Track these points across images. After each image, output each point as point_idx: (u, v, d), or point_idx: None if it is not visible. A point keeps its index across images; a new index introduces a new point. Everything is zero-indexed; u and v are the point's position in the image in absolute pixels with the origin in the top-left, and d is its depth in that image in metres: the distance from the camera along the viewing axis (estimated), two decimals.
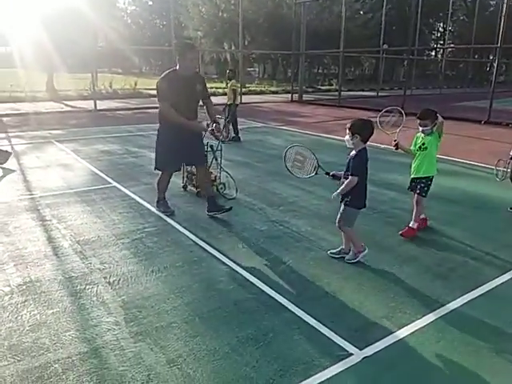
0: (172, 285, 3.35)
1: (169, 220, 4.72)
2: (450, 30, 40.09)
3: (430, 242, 4.26)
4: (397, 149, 4.38)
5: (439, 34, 52.55)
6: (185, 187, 5.89)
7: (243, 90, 22.52)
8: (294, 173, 3.89)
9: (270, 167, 7.35)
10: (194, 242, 4.16)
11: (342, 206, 3.66)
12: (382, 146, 9.22)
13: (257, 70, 53.86)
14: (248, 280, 3.43)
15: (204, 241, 4.17)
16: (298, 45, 21.60)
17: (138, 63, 57.97)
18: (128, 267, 3.64)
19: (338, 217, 3.70)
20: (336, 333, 2.77)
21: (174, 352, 2.58)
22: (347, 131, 3.53)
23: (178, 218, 4.80)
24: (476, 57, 43.70)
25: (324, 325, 2.85)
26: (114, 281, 3.41)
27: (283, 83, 33.71)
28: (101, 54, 35.10)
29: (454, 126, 13.27)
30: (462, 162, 8.03)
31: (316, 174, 3.76)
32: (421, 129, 4.22)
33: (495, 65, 16.66)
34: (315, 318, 2.91)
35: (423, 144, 4.27)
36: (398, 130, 4.39)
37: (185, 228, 4.49)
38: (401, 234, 4.31)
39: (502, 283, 3.46)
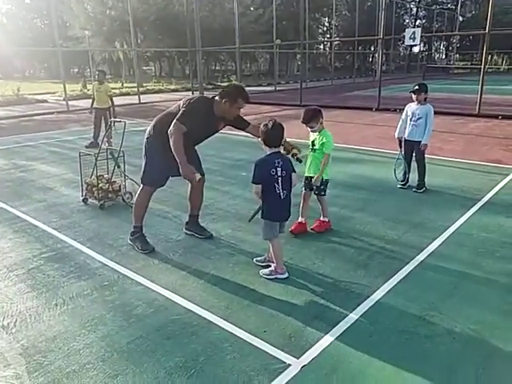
0: (82, 318, 2.93)
1: (70, 241, 4.19)
2: (335, 25, 42.52)
3: (345, 232, 4.32)
4: None
5: (325, 29, 55.67)
6: (85, 200, 5.32)
7: (140, 89, 21.57)
8: None
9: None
10: (102, 263, 3.72)
11: (262, 220, 3.41)
12: (288, 140, 9.40)
13: (153, 68, 52.27)
14: (169, 299, 3.12)
15: (114, 260, 3.75)
16: (194, 42, 21.22)
17: (21, 66, 52.81)
18: (25, 304, 3.12)
19: (262, 233, 3.44)
20: (270, 343, 2.61)
21: None
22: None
23: (80, 237, 4.29)
24: (360, 48, 47.09)
25: (257, 337, 2.67)
26: (8, 323, 2.89)
27: (182, 81, 33.06)
28: None
29: (349, 114, 14.06)
30: (360, 149, 8.43)
31: None
32: (309, 129, 4.21)
33: (378, 55, 17.97)
34: (246, 331, 2.73)
35: (313, 142, 4.23)
36: None
37: (89, 248, 4.01)
38: (312, 229, 4.30)
39: (417, 265, 3.60)
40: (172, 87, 28.52)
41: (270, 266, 3.48)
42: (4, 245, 4.16)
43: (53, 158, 8.04)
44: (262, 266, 3.56)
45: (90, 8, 35.18)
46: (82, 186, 5.35)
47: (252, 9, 38.82)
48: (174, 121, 3.59)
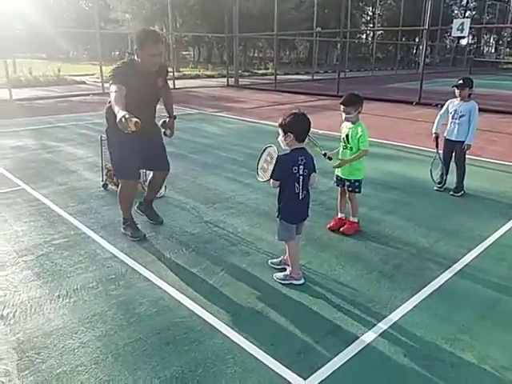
0: (82, 313, 2.79)
1: (84, 228, 4.08)
2: (378, 14, 41.12)
3: (373, 236, 4.00)
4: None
5: (369, 18, 53.94)
6: (105, 186, 5.22)
7: (177, 74, 21.55)
8: (259, 173, 3.08)
9: (206, 158, 6.83)
10: (112, 254, 3.59)
11: (277, 219, 3.13)
12: (320, 132, 9.03)
13: (191, 53, 52.37)
14: (174, 299, 2.94)
15: (124, 252, 3.61)
16: (232, 27, 20.93)
17: (65, 48, 54.11)
18: (29, 293, 3.02)
19: (277, 233, 3.17)
20: (277, 359, 2.37)
21: None
22: (279, 130, 2.95)
23: (94, 224, 4.18)
24: (403, 39, 45.34)
25: (262, 350, 2.44)
26: (8, 313, 2.78)
27: (219, 67, 32.86)
28: (21, 38, 32.20)
29: (388, 107, 13.47)
30: (397, 145, 7.98)
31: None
32: (344, 116, 3.85)
33: (422, 47, 17.12)
34: (252, 342, 2.50)
35: (347, 137, 3.87)
36: None
37: (102, 237, 3.89)
38: (342, 232, 4.01)
39: (449, 279, 3.25)
40: (208, 73, 28.37)
41: (285, 269, 3.24)
42: (18, 228, 4.10)
43: (81, 140, 8.03)
44: (276, 268, 3.32)
45: None
46: (102, 171, 5.25)
47: None
48: (109, 86, 3.37)
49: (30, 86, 18.80)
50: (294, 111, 2.95)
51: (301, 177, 2.96)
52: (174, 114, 4.10)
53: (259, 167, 3.03)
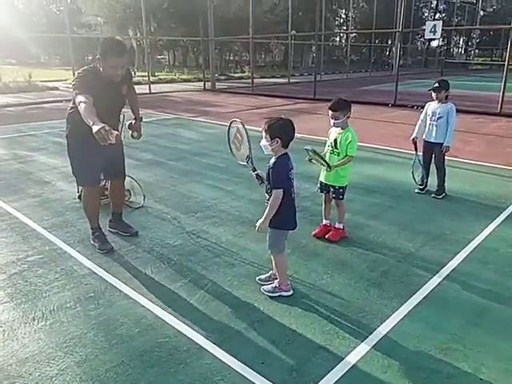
0: (59, 336, 2.62)
1: (59, 243, 3.89)
2: (352, 17, 41.67)
3: (358, 242, 3.95)
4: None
5: (342, 21, 54.65)
6: (80, 197, 5.00)
7: (152, 79, 21.25)
8: (232, 150, 3.17)
9: (185, 165, 6.69)
10: (90, 270, 3.42)
11: (269, 229, 2.97)
12: (299, 135, 8.99)
13: (166, 57, 51.92)
14: (158, 317, 2.80)
15: (103, 268, 3.44)
16: (207, 31, 20.79)
17: (35, 53, 52.79)
18: (0, 316, 2.83)
19: (268, 242, 3.02)
20: (268, 378, 2.27)
21: None
22: (264, 134, 2.85)
23: (70, 238, 3.99)
24: (377, 42, 46.08)
25: (253, 369, 2.34)
26: None
27: (195, 71, 32.65)
28: None
29: (364, 110, 13.56)
30: (377, 148, 8.00)
31: (246, 164, 3.08)
32: (332, 121, 3.80)
33: (396, 49, 17.39)
34: (241, 361, 2.39)
35: (335, 142, 3.80)
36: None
37: (79, 252, 3.71)
38: (328, 238, 3.94)
39: (437, 285, 3.22)
40: (184, 77, 28.11)
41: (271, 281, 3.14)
42: None
43: (54, 149, 7.75)
44: (264, 284, 3.19)
45: None
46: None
47: None
48: (74, 96, 3.28)
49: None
50: (279, 116, 2.88)
51: (293, 181, 2.91)
52: (140, 115, 4.01)
53: (233, 151, 3.07)
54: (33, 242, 3.92)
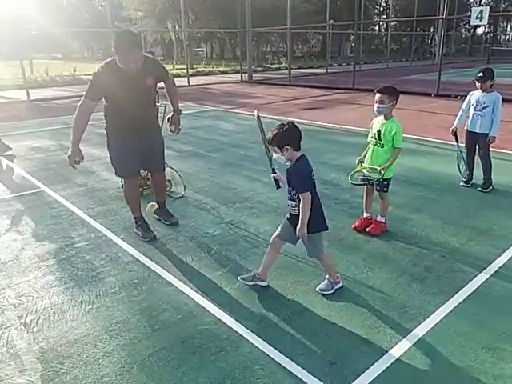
0: (105, 320, 2.73)
1: (104, 230, 4.03)
2: (392, 5, 40.35)
3: (400, 236, 3.86)
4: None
5: (382, 9, 53.11)
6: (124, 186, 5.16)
7: (190, 71, 21.48)
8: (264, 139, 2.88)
9: (223, 157, 6.74)
10: (133, 257, 3.52)
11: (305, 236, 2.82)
12: (338, 127, 8.85)
13: (204, 50, 52.32)
14: (199, 305, 2.86)
15: (146, 255, 3.54)
16: (244, 22, 20.75)
17: (80, 48, 54.52)
18: (51, 299, 2.97)
19: (308, 250, 2.95)
20: (308, 370, 2.27)
21: None
22: (270, 147, 2.73)
23: (115, 226, 4.13)
24: (418, 30, 44.48)
25: (292, 360, 2.34)
26: (31, 321, 2.74)
27: (232, 63, 32.72)
28: (37, 39, 32.56)
29: (406, 100, 13.10)
30: (419, 139, 7.76)
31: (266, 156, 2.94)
32: (376, 106, 3.64)
33: (438, 37, 16.75)
34: (281, 352, 2.40)
35: (378, 133, 3.69)
36: None
37: (123, 240, 3.83)
38: (368, 232, 3.87)
39: (484, 281, 3.10)
40: (221, 69, 28.26)
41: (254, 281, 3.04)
42: (40, 231, 4.07)
43: (98, 140, 7.98)
44: (248, 285, 3.04)
45: None
46: None
47: None
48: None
49: (46, 87, 19.02)
50: (280, 124, 2.71)
51: (315, 181, 2.81)
52: (180, 108, 4.05)
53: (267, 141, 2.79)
54: (79, 230, 4.08)
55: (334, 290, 2.98)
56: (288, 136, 2.67)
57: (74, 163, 3.47)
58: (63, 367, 2.34)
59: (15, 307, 2.89)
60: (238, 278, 3.08)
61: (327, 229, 2.88)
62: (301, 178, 2.72)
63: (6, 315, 2.80)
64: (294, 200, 2.79)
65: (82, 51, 56.47)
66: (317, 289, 2.98)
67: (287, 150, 2.67)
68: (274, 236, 3.02)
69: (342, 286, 3.02)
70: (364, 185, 3.88)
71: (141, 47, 3.38)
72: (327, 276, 3.02)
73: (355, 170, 3.86)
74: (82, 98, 3.47)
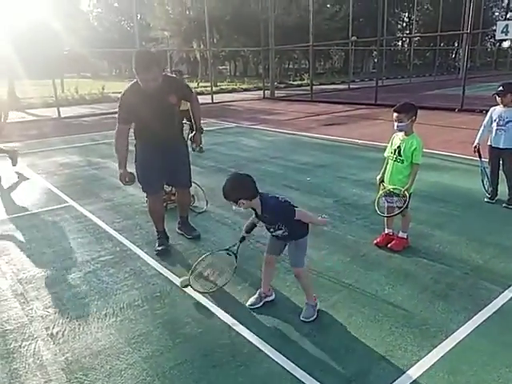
0: (128, 332, 2.79)
1: (129, 244, 4.14)
2: (415, 20, 40.28)
3: (423, 252, 3.82)
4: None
5: (404, 24, 53.05)
6: None
7: (214, 88, 21.88)
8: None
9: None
10: (156, 271, 3.61)
11: (292, 243, 2.83)
12: (360, 142, 8.84)
13: (228, 67, 53.24)
14: (219, 319, 2.90)
15: (168, 269, 3.62)
16: (267, 40, 21.09)
17: (108, 67, 56.44)
18: (77, 311, 3.06)
19: (292, 260, 2.88)
20: None
21: None
22: (230, 202, 2.67)
23: (139, 240, 4.24)
24: (442, 44, 44.16)
25: (312, 375, 2.34)
26: (57, 332, 2.83)
27: (255, 80, 33.18)
28: (68, 59, 33.87)
29: (429, 115, 13.04)
30: (442, 154, 7.68)
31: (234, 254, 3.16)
32: (396, 124, 3.68)
33: (462, 52, 16.57)
34: (301, 367, 2.41)
35: (398, 149, 3.69)
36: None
37: (146, 253, 3.93)
38: (390, 248, 3.85)
39: (509, 299, 3.03)
40: (244, 86, 28.69)
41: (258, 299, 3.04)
42: (67, 245, 4.21)
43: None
44: (258, 308, 3.01)
45: (171, 9, 36.45)
46: None
47: (328, 6, 37.98)
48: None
49: (76, 104, 19.70)
50: (230, 177, 2.74)
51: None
52: (201, 126, 4.16)
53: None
54: (105, 243, 4.20)
55: (316, 314, 2.87)
56: (240, 190, 2.63)
57: (125, 184, 3.80)
58: (87, 378, 2.41)
59: (43, 318, 2.99)
60: (247, 305, 3.03)
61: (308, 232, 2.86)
62: (282, 212, 2.69)
63: (33, 326, 2.90)
64: (281, 229, 2.76)
65: (111, 70, 58.37)
66: (301, 318, 2.85)
67: (243, 203, 2.62)
68: (265, 255, 3.03)
69: (318, 307, 2.93)
70: (390, 216, 3.88)
71: (158, 65, 3.50)
72: (306, 301, 2.92)
73: (378, 196, 3.86)
74: (117, 124, 3.69)
